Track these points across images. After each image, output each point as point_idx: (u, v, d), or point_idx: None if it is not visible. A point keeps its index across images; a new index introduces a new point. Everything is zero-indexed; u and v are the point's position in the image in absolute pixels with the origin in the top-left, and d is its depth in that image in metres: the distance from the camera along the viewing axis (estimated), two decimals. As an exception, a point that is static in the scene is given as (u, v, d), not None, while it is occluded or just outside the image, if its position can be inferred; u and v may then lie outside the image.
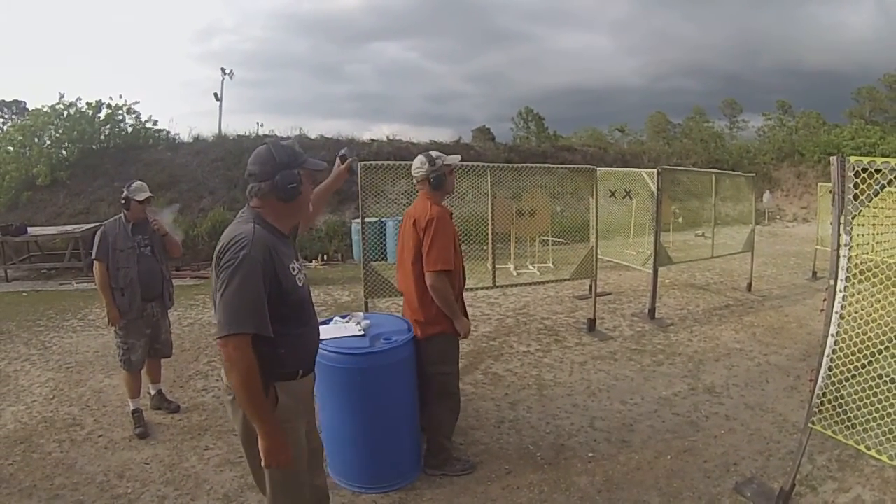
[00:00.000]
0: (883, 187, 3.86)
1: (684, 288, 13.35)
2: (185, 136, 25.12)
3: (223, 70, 32.86)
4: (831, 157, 4.15)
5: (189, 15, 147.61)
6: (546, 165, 9.93)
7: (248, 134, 24.99)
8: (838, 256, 4.09)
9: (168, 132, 25.21)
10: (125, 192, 5.94)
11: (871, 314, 4.13)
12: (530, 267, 14.74)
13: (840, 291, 4.10)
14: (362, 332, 4.85)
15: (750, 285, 13.08)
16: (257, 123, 40.51)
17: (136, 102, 24.38)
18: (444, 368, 5.10)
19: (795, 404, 6.54)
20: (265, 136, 24.82)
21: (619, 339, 9.16)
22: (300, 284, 3.20)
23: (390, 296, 8.01)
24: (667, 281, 13.62)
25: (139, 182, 6.04)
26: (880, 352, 4.41)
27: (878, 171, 3.80)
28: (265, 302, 2.90)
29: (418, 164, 5.01)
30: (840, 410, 4.18)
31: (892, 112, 55.50)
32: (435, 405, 5.16)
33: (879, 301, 4.12)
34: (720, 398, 6.84)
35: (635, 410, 6.50)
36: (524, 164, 9.56)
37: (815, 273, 14.67)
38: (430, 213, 4.81)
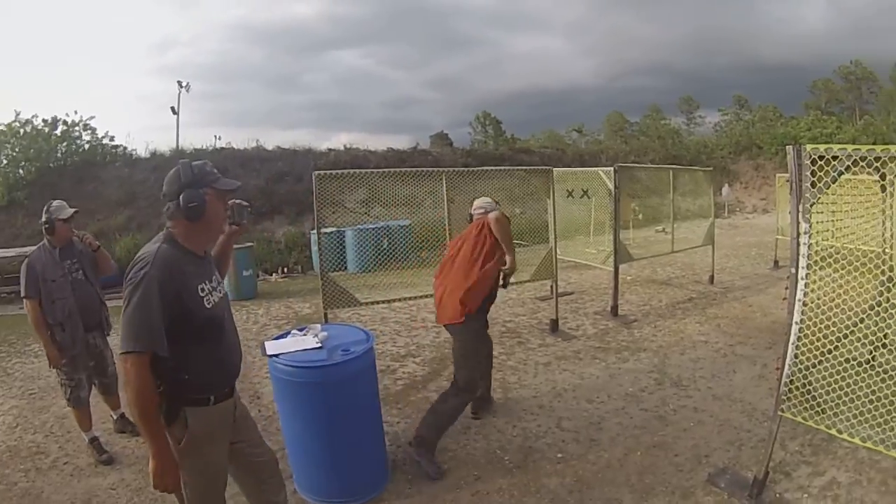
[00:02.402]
0: (841, 174, 3.83)
1: (646, 284, 13.37)
2: (142, 151, 24.91)
3: (179, 83, 32.54)
4: (788, 147, 4.13)
5: (144, 28, 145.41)
6: (503, 168, 9.89)
7: (205, 147, 24.86)
8: (798, 244, 4.06)
9: (125, 148, 24.98)
10: (45, 216, 5.46)
11: (834, 300, 4.11)
12: (492, 270, 14.51)
13: (802, 279, 4.06)
14: (319, 345, 4.72)
15: (712, 278, 13.16)
16: (215, 136, 40.13)
17: (92, 118, 24.13)
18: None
19: (764, 392, 6.53)
20: (222, 149, 24.73)
21: (583, 339, 9.11)
22: (208, 305, 3.16)
23: (350, 306, 7.88)
24: (628, 278, 13.68)
25: (59, 201, 5.61)
26: (845, 336, 4.40)
27: (835, 157, 3.78)
28: (161, 320, 2.88)
29: (489, 201, 6.15)
30: (809, 397, 4.14)
31: (848, 102, 56.69)
32: (443, 399, 5.55)
33: (842, 286, 4.11)
34: (687, 391, 6.81)
35: (602, 408, 6.44)
36: (480, 168, 9.50)
37: (776, 262, 14.87)
38: (485, 218, 5.75)
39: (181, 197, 3.04)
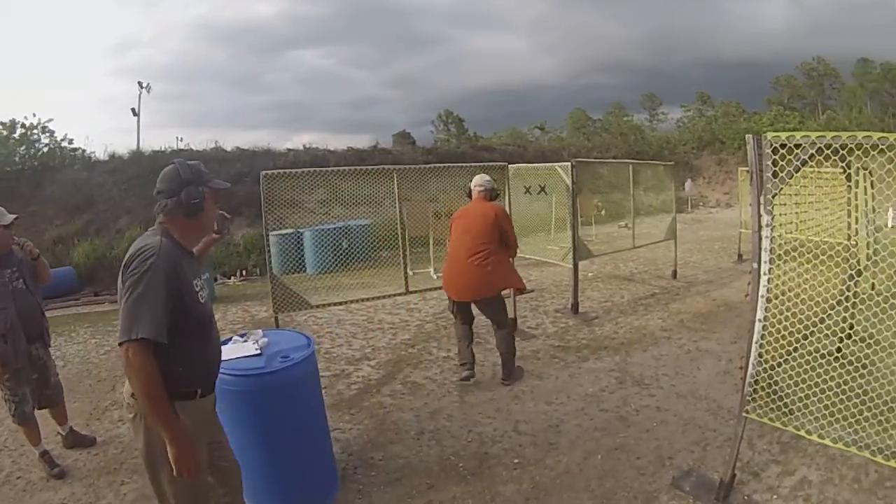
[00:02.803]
0: (804, 163, 3.64)
1: (608, 280, 13.22)
2: (101, 153, 24.38)
3: (140, 84, 32.44)
4: (747, 136, 3.94)
5: (105, 29, 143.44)
6: (456, 165, 9.63)
7: (163, 149, 24.63)
8: (760, 238, 3.86)
9: (83, 151, 24.56)
10: None
11: (799, 294, 3.93)
12: (452, 269, 14.21)
13: (765, 275, 3.86)
14: (258, 352, 4.52)
15: (675, 272, 13.06)
16: (177, 138, 39.91)
17: (51, 120, 23.87)
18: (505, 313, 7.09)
19: (729, 389, 6.36)
20: (181, 150, 24.76)
21: (542, 337, 8.90)
22: (202, 301, 3.23)
23: (302, 309, 7.65)
24: (590, 274, 13.57)
25: None
26: (812, 333, 4.21)
27: (797, 146, 3.59)
28: (165, 311, 2.89)
29: (488, 179, 7.13)
30: (775, 396, 3.96)
31: (811, 98, 57.67)
32: (502, 339, 7.00)
33: (808, 280, 3.93)
34: (650, 389, 6.62)
35: (561, 410, 6.21)
36: (433, 165, 9.34)
37: (740, 255, 14.94)
38: (498, 209, 6.89)
39: (182, 193, 3.12)
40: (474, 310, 6.96)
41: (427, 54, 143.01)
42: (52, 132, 23.90)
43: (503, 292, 7.07)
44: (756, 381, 3.99)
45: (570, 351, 8.16)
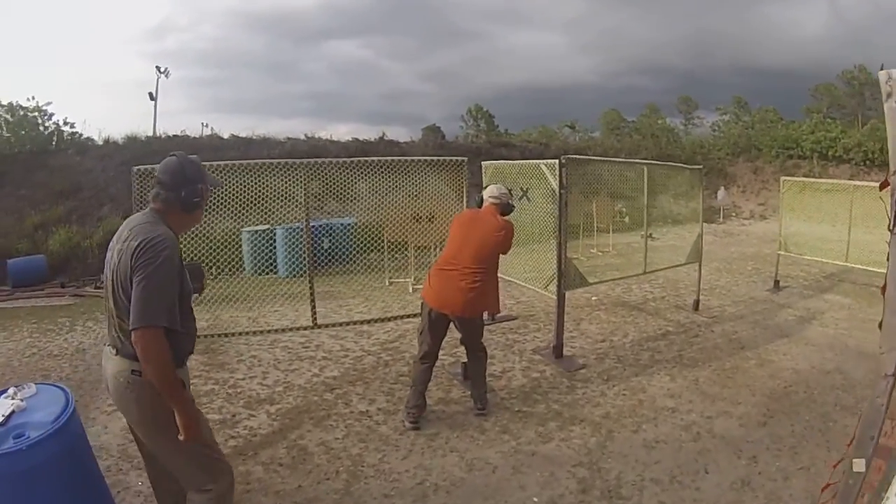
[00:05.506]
0: None
1: (613, 308, 10.69)
2: (97, 137, 23.70)
3: (158, 68, 32.61)
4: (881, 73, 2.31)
5: (141, 13, 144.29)
6: (395, 159, 7.99)
7: (159, 135, 24.22)
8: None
9: (80, 135, 23.81)
10: None
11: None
12: (436, 280, 12.20)
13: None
14: (1, 419, 3.42)
15: (697, 302, 10.60)
16: (202, 124, 39.59)
17: (49, 103, 23.25)
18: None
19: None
20: (175, 136, 24.17)
21: (502, 394, 6.60)
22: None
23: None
24: (593, 298, 11.22)
25: None
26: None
27: None
28: (177, 299, 3.17)
29: (504, 192, 6.35)
30: None
31: (850, 108, 57.81)
32: (477, 362, 6.21)
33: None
34: (626, 507, 4.32)
35: (480, 537, 3.98)
36: (357, 159, 8.22)
37: (777, 282, 12.51)
38: (510, 231, 6.09)
39: (184, 192, 3.33)
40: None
41: (464, 49, 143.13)
42: (51, 115, 23.30)
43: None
44: None
45: (530, 421, 5.89)
